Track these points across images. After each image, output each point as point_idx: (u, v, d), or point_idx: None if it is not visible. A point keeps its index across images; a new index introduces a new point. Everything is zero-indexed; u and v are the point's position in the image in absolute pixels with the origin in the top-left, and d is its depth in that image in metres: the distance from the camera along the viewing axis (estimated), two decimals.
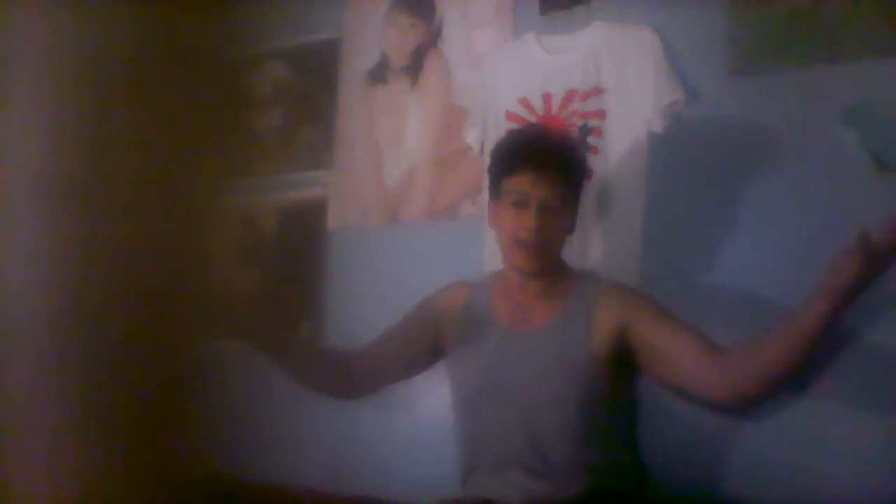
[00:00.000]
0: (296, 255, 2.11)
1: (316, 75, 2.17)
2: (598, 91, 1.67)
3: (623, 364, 1.31)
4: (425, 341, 1.44)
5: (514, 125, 1.76)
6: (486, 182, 1.77)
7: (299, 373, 1.43)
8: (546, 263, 1.32)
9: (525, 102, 1.75)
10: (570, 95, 1.70)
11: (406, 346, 1.45)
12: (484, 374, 1.33)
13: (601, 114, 1.66)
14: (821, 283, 1.11)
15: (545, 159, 1.28)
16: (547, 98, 1.73)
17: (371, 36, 2.09)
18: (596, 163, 1.63)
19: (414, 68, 2.01)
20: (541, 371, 1.28)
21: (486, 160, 1.78)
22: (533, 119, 1.74)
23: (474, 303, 1.41)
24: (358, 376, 1.45)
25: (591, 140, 1.65)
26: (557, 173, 1.28)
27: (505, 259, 1.38)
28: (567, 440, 1.25)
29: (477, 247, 1.77)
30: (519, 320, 1.35)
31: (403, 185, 1.98)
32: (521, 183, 1.28)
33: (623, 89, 1.64)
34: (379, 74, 2.07)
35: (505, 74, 1.80)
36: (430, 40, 1.99)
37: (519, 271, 1.34)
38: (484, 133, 1.81)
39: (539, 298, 1.35)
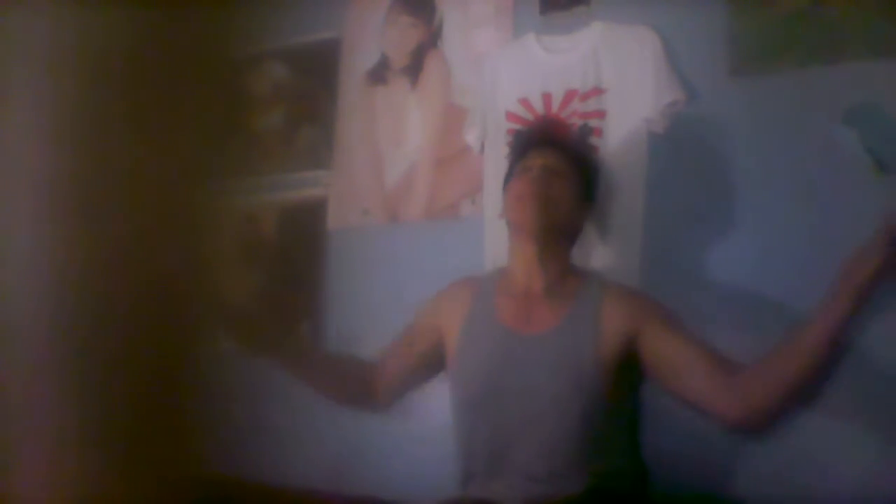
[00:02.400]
0: (296, 255, 2.11)
1: (316, 75, 2.17)
2: (598, 91, 1.67)
3: (629, 370, 1.27)
4: (438, 343, 1.42)
5: (514, 125, 1.76)
6: (486, 181, 1.78)
7: (321, 385, 1.42)
8: (550, 225, 1.30)
9: (525, 102, 1.75)
10: (569, 95, 1.70)
11: (422, 349, 1.43)
12: (486, 376, 1.30)
13: (601, 114, 1.66)
14: (838, 279, 1.05)
15: (553, 135, 1.43)
16: (547, 98, 1.73)
17: (371, 36, 2.09)
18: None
19: (414, 68, 2.01)
20: (544, 375, 1.25)
21: (486, 160, 1.79)
22: (533, 119, 1.74)
23: (479, 302, 1.39)
24: (381, 385, 1.43)
25: (592, 140, 1.65)
26: (560, 149, 1.37)
27: (514, 225, 1.36)
28: (569, 445, 1.23)
29: (477, 247, 1.77)
30: (523, 321, 1.32)
31: (403, 185, 1.98)
32: (530, 157, 1.37)
33: (623, 89, 1.64)
34: (379, 74, 2.07)
35: (505, 74, 1.80)
36: (430, 40, 1.99)
37: (521, 230, 1.33)
38: (484, 133, 1.81)
39: (543, 298, 1.32)
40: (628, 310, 1.27)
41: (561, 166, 1.34)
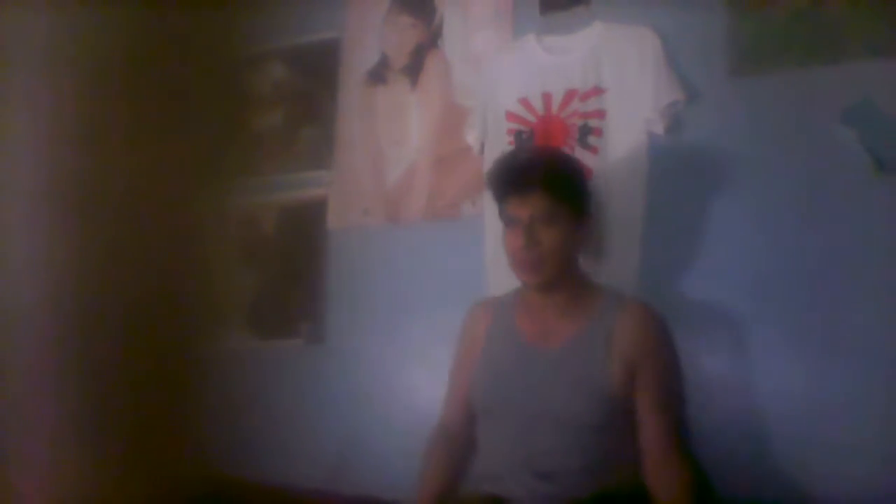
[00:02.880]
0: (296, 255, 2.11)
1: (316, 75, 2.17)
2: (597, 91, 1.67)
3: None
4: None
5: (514, 125, 1.76)
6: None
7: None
8: (550, 277, 1.32)
9: (525, 102, 1.75)
10: (569, 95, 1.70)
11: (468, 393, 1.43)
12: (503, 387, 1.34)
13: (601, 114, 1.66)
14: None
15: (525, 180, 1.31)
16: (547, 98, 1.73)
17: (371, 36, 2.09)
18: (595, 163, 1.63)
19: (414, 68, 2.01)
20: (558, 387, 1.28)
21: (486, 160, 1.79)
22: (533, 119, 1.74)
23: (498, 319, 1.42)
24: (462, 433, 1.43)
25: (591, 140, 1.65)
26: (541, 191, 1.29)
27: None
28: (578, 455, 1.25)
29: (477, 247, 1.77)
30: (539, 337, 1.35)
31: (404, 185, 1.98)
32: (510, 206, 1.33)
33: (623, 89, 1.64)
34: (379, 74, 2.07)
35: (505, 74, 1.80)
36: (430, 40, 1.99)
37: (527, 287, 1.36)
38: (484, 133, 1.81)
39: (561, 316, 1.35)
40: (637, 339, 1.29)
41: (547, 209, 1.29)
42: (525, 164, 1.37)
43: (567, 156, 1.47)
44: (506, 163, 1.39)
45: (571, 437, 1.25)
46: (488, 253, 1.75)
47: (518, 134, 1.76)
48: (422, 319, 1.86)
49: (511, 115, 1.77)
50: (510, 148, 1.75)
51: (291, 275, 2.11)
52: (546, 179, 1.31)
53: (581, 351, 1.30)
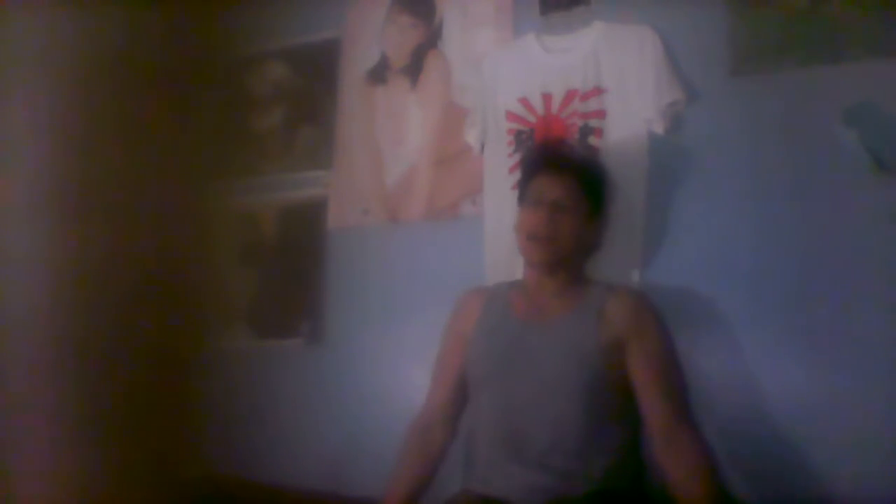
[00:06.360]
0: (296, 255, 2.11)
1: (316, 75, 2.17)
2: (598, 91, 1.67)
3: (625, 366, 1.33)
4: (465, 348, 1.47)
5: (514, 125, 1.76)
6: (486, 182, 1.79)
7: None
8: (559, 258, 1.38)
9: (525, 102, 1.75)
10: (570, 95, 1.70)
11: (458, 362, 1.47)
12: (495, 357, 1.38)
13: (601, 114, 1.66)
14: None
15: (559, 163, 1.43)
16: (547, 98, 1.73)
17: (371, 36, 2.09)
18: None
19: (414, 68, 2.01)
20: (549, 356, 1.32)
21: (486, 160, 1.80)
22: (533, 119, 1.74)
23: (492, 302, 1.46)
24: (439, 425, 1.47)
25: (592, 140, 1.65)
26: (571, 176, 1.39)
27: (523, 257, 1.44)
28: (569, 428, 1.27)
29: (477, 247, 1.77)
30: (531, 314, 1.40)
31: (403, 185, 1.98)
32: (538, 184, 1.41)
33: (623, 89, 1.64)
34: (379, 74, 2.07)
35: (505, 74, 1.80)
36: (430, 40, 1.99)
37: (534, 267, 1.41)
38: (484, 133, 1.81)
39: (554, 297, 1.40)
40: (628, 316, 1.34)
41: (569, 199, 1.38)
42: (566, 150, 1.54)
43: (603, 164, 1.56)
44: (548, 144, 1.58)
45: (560, 413, 1.28)
46: (488, 253, 1.75)
47: (518, 134, 1.76)
48: (421, 319, 1.86)
49: (511, 115, 1.77)
50: (510, 149, 1.76)
51: (291, 275, 2.11)
52: (581, 167, 1.44)
53: (571, 325, 1.34)
